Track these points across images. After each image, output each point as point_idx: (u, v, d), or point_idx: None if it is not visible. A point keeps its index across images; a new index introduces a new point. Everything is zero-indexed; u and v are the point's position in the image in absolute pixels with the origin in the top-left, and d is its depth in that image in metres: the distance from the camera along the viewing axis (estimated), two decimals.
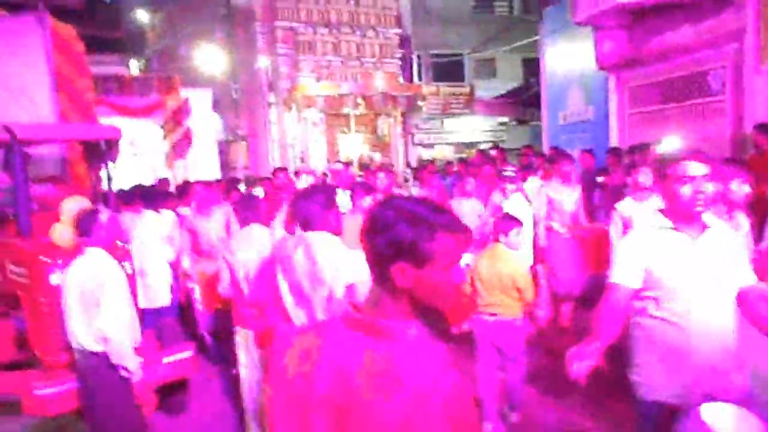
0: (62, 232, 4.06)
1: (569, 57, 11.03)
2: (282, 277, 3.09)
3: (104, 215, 3.69)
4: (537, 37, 12.79)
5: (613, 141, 9.41)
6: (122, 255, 4.18)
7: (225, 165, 17.84)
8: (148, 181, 10.33)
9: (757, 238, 4.15)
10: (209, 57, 19.54)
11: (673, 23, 8.01)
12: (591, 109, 10.45)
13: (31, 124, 5.69)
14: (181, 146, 13.51)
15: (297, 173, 10.17)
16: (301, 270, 3.00)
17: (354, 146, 19.88)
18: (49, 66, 7.56)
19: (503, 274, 4.00)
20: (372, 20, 21.09)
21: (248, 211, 4.19)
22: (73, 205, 4.05)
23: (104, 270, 3.43)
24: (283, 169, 7.91)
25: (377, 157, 20.45)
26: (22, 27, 7.48)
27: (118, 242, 4.39)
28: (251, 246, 3.96)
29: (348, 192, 6.19)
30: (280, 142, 20.23)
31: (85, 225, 3.54)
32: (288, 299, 3.06)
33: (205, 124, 14.78)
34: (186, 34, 23.25)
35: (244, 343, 3.91)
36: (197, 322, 5.70)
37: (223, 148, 17.72)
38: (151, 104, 13.04)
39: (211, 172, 14.11)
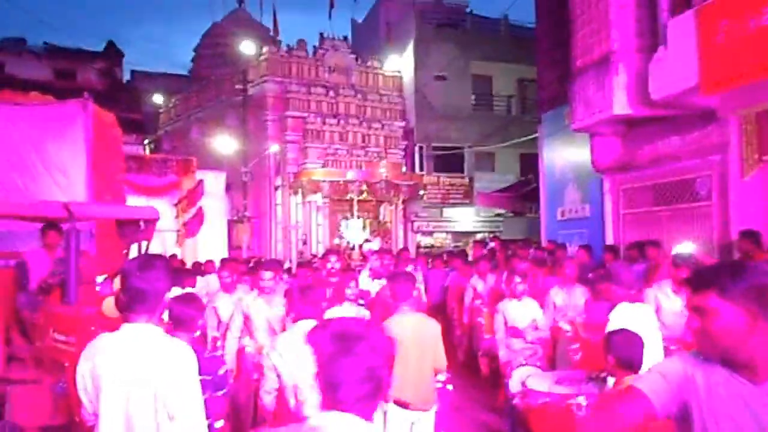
0: (113, 305, 4.43)
1: (566, 158, 11.79)
2: None
3: None
4: (534, 135, 13.62)
5: (609, 239, 9.95)
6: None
7: (229, 245, 18.30)
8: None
9: None
10: (222, 140, 20.45)
11: (663, 133, 8.74)
12: (588, 208, 11.08)
13: (85, 204, 6.18)
14: (192, 225, 14.00)
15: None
16: None
17: (356, 231, 20.47)
18: (87, 148, 8.17)
19: None
20: (378, 113, 22.32)
21: (305, 304, 3.73)
22: None
23: None
24: (336, 252, 7.27)
25: (377, 242, 20.98)
26: (68, 112, 8.15)
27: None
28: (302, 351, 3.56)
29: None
30: (283, 224, 20.85)
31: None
32: None
33: (217, 205, 15.37)
34: (198, 118, 24.41)
35: None
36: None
37: (229, 228, 18.23)
38: (168, 184, 13.68)
39: (219, 251, 14.55)
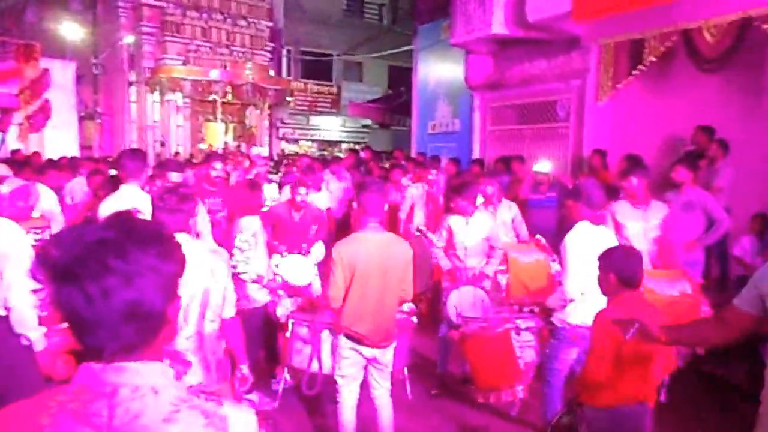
0: None
1: (440, 72, 12.13)
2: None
3: (7, 187, 3.79)
4: (405, 48, 13.78)
5: (476, 153, 10.59)
6: (42, 224, 4.24)
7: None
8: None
9: None
10: (67, 27, 18.22)
11: (531, 56, 9.29)
12: (457, 122, 11.61)
13: None
14: (37, 119, 12.68)
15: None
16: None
17: (219, 134, 19.68)
18: None
19: None
20: (243, 10, 20.96)
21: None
22: None
23: (7, 240, 3.46)
24: (222, 157, 6.37)
25: (243, 147, 20.38)
26: None
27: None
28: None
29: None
30: (138, 123, 19.44)
31: None
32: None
33: (65, 98, 13.93)
34: None
35: None
36: None
37: (78, 125, 16.67)
38: (7, 71, 12.11)
39: (69, 149, 13.36)
